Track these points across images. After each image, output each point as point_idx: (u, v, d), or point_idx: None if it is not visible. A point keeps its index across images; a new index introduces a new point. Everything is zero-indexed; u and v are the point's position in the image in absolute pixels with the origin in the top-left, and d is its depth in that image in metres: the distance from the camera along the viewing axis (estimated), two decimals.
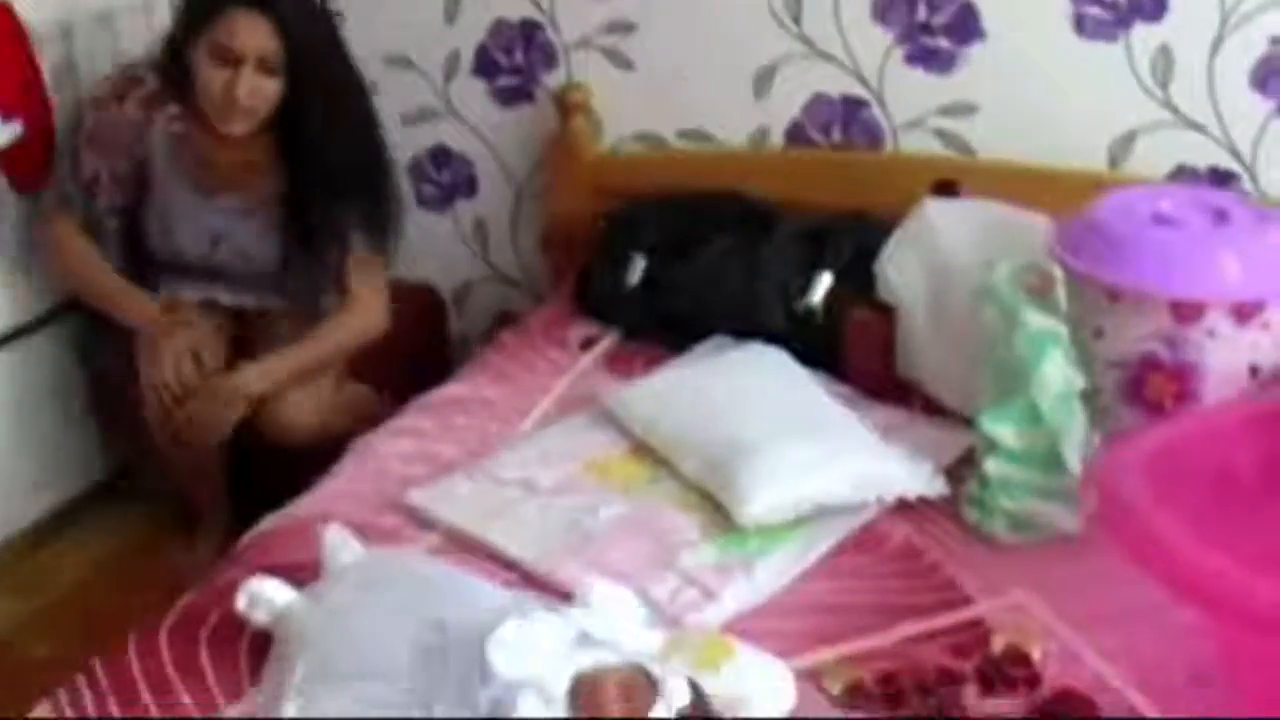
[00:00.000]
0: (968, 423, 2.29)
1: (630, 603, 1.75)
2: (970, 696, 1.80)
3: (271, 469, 2.61)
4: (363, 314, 2.69)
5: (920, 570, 2.04)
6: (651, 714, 1.60)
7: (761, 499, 2.07)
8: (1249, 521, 1.87)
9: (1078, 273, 2.13)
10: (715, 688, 1.69)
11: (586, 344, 2.64)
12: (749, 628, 1.90)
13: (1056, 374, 2.09)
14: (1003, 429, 2.11)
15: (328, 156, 2.59)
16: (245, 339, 2.76)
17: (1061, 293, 2.12)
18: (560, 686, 1.62)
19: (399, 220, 2.75)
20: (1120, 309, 2.11)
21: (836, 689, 1.80)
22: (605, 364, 2.59)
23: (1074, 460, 2.08)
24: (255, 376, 2.59)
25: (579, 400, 2.44)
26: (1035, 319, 2.10)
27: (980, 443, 2.14)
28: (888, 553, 2.08)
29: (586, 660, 1.64)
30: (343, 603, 1.76)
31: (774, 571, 2.01)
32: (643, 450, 2.27)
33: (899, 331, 2.44)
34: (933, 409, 2.41)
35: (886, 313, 2.46)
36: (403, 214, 2.79)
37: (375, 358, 2.84)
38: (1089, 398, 2.13)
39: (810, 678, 1.82)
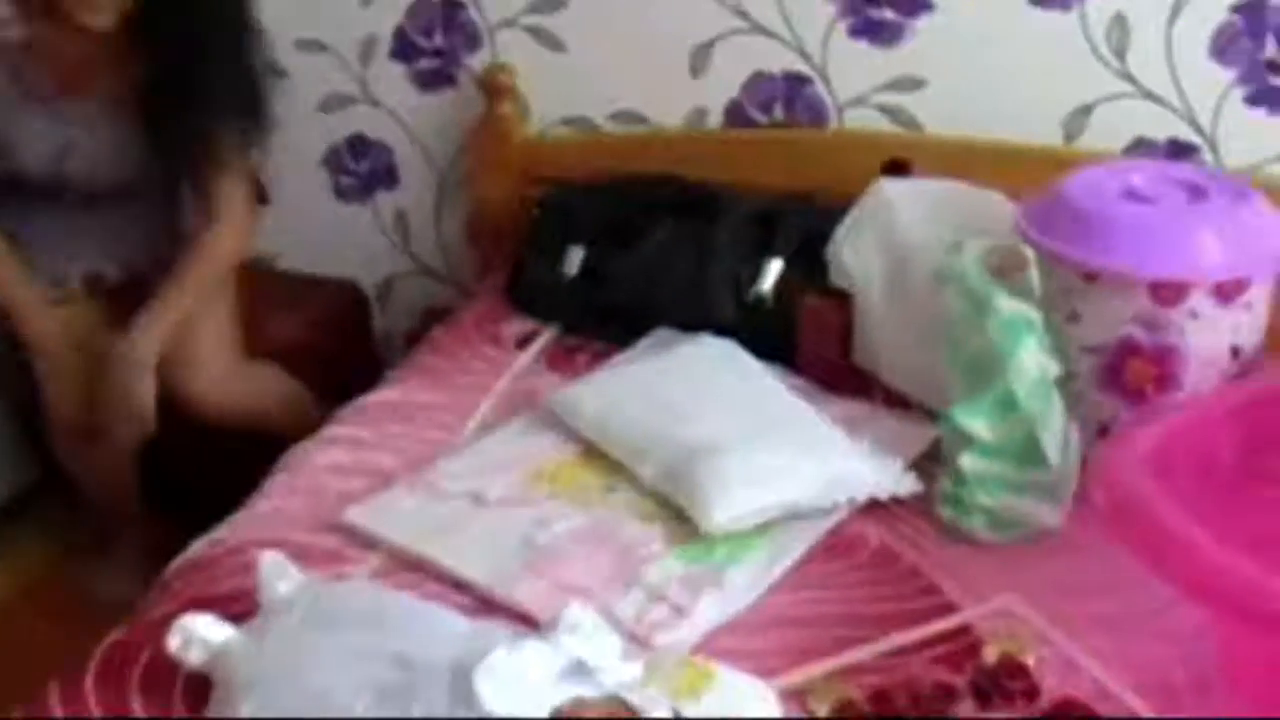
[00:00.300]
0: (930, 414, 2.20)
1: (604, 628, 1.62)
2: (966, 711, 1.69)
3: (192, 484, 2.44)
4: (233, 231, 2.51)
5: (898, 576, 1.93)
6: None
7: (727, 505, 1.95)
8: (1229, 505, 1.80)
9: (1052, 254, 2.02)
10: (694, 717, 1.57)
11: (523, 341, 2.50)
12: (723, 646, 1.78)
13: (1032, 362, 1.98)
14: (976, 422, 2.00)
15: (194, 51, 2.37)
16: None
17: (1035, 275, 2.01)
18: None
19: (271, 128, 2.53)
20: (1097, 291, 2.01)
21: (823, 710, 1.68)
22: (545, 361, 2.45)
23: (1053, 452, 1.98)
24: (142, 339, 2.42)
25: (520, 402, 2.30)
26: (1007, 304, 1.99)
27: (952, 437, 2.03)
28: (862, 558, 1.96)
29: (568, 694, 1.51)
30: (288, 640, 1.61)
31: (745, 582, 1.89)
32: (594, 455, 2.13)
33: (855, 318, 2.32)
34: (892, 400, 2.29)
35: (841, 299, 2.34)
36: (275, 121, 2.54)
37: (297, 358, 2.69)
38: (1062, 384, 2.02)
39: (794, 698, 1.70)
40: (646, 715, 1.50)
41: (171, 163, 2.44)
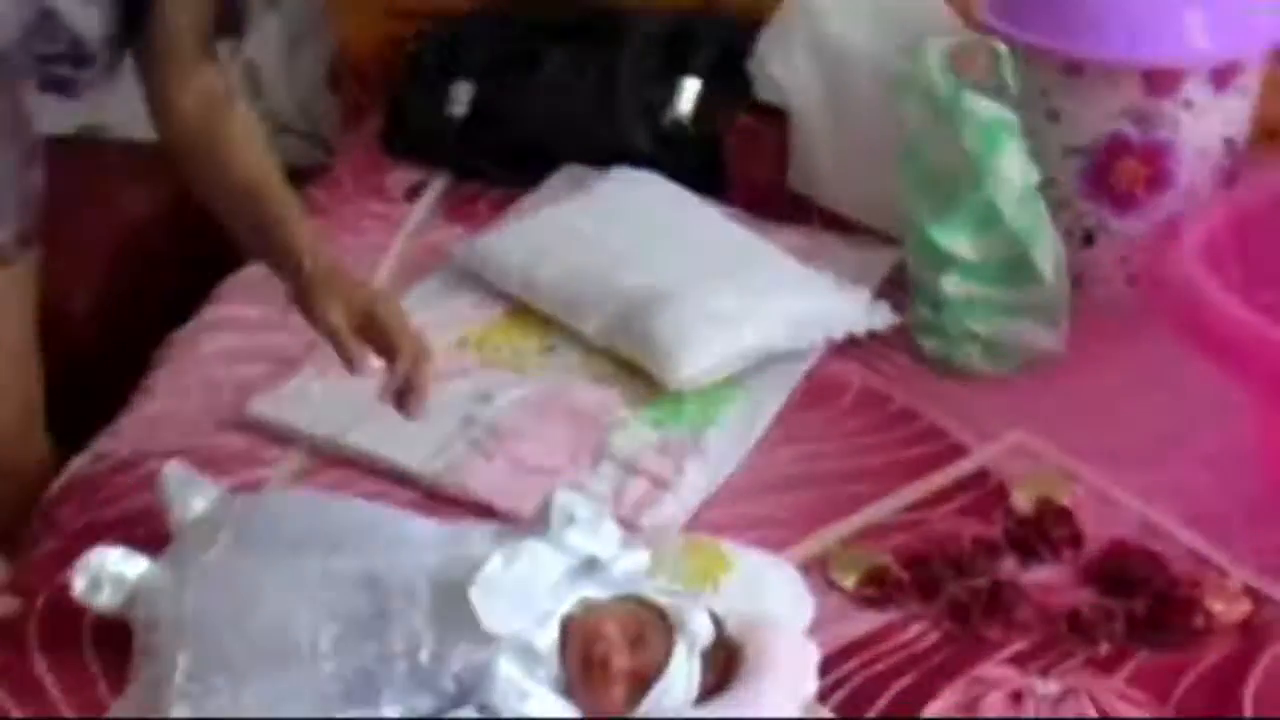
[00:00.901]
0: (881, 237, 1.95)
1: (603, 514, 1.33)
2: (1009, 569, 1.44)
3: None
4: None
5: (893, 419, 1.68)
6: (672, 661, 1.20)
7: (693, 356, 1.68)
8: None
9: (1028, 46, 1.75)
10: (720, 608, 1.30)
11: (412, 192, 2.16)
12: (719, 519, 1.52)
13: (1014, 169, 1.73)
14: (956, 240, 1.75)
15: None
16: None
17: (1008, 73, 1.74)
18: (546, 640, 1.20)
19: None
20: (1081, 85, 1.75)
21: (850, 580, 1.43)
22: (443, 213, 2.11)
23: (1046, 267, 1.74)
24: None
25: (423, 260, 1.97)
26: (982, 106, 1.73)
27: (926, 259, 1.78)
28: (847, 403, 1.71)
29: (572, 598, 1.22)
30: (220, 568, 1.28)
31: (728, 443, 1.62)
32: (521, 313, 1.83)
33: (791, 137, 2.03)
34: (835, 225, 2.03)
35: (772, 117, 2.05)
36: None
37: (151, 233, 2.32)
38: (1041, 192, 1.77)
39: (814, 570, 1.44)
40: (683, 619, 1.22)
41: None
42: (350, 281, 1.47)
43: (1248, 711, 1.28)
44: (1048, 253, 1.73)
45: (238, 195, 1.49)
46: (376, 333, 1.44)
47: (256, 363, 1.75)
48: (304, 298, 1.45)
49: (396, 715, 1.17)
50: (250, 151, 1.50)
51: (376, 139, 2.28)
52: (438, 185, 2.18)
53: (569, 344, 1.78)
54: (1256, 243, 1.52)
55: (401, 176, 2.20)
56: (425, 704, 1.18)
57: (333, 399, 1.66)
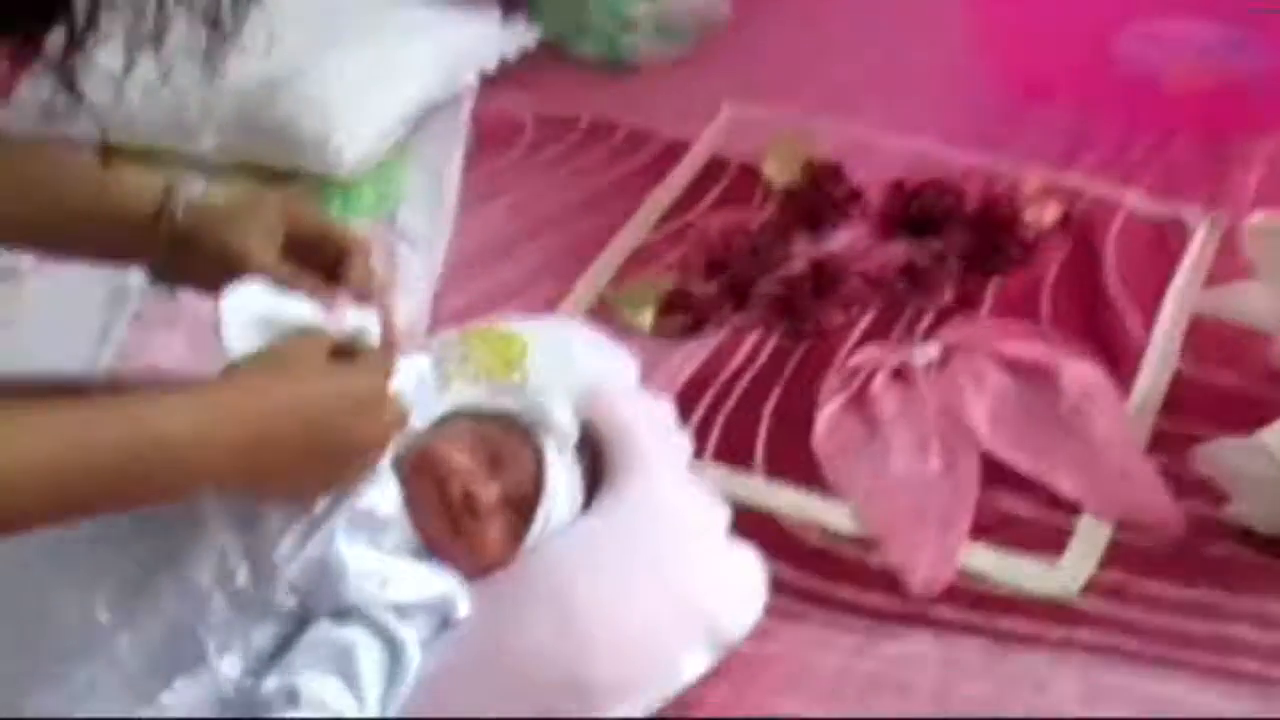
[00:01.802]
0: None
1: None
2: (806, 246, 1.20)
3: None
4: None
5: (590, 137, 1.39)
6: (547, 469, 0.89)
7: (350, 132, 1.32)
8: None
9: None
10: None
11: None
12: (463, 305, 1.20)
13: None
14: None
15: None
16: None
17: None
18: (386, 499, 0.87)
19: None
20: None
21: (646, 318, 1.15)
22: None
23: None
24: None
25: None
26: None
27: None
28: (528, 137, 1.40)
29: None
30: None
31: (427, 216, 1.30)
32: (113, 157, 1.40)
33: None
34: None
35: None
36: None
37: None
38: None
39: (601, 320, 1.14)
40: (524, 411, 0.91)
41: None
42: (242, 202, 0.94)
43: (1115, 295, 1.11)
44: None
45: (37, 191, 0.96)
46: (311, 247, 0.90)
47: None
48: (200, 249, 0.91)
49: (236, 668, 0.82)
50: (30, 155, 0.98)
51: None
52: None
53: (183, 171, 1.37)
54: None
55: None
56: (266, 634, 0.83)
57: None
